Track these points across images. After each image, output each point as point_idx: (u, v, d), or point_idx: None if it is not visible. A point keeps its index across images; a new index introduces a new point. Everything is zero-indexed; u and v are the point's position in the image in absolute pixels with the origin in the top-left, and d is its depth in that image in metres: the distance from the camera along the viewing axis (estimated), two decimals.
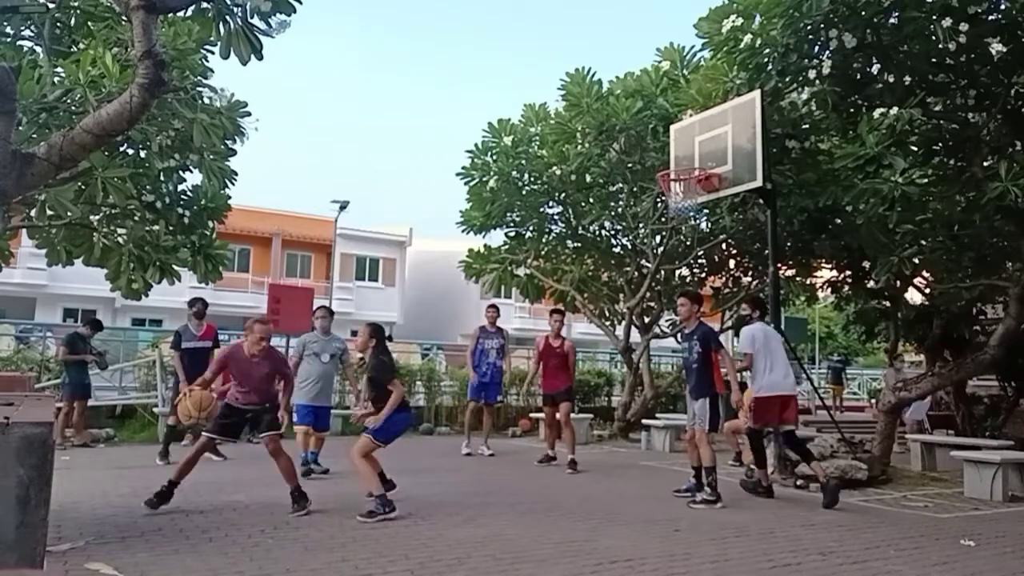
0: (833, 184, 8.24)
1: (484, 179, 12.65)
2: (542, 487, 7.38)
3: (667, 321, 13.96)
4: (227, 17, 5.25)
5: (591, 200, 12.62)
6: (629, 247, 13.42)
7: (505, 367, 10.15)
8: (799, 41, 7.84)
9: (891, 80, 7.87)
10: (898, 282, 11.11)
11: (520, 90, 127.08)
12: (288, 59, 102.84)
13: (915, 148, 8.11)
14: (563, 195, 12.67)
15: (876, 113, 7.32)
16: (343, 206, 23.23)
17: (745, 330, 7.35)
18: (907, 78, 7.88)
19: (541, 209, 13.07)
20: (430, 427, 13.18)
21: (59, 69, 7.07)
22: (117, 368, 12.04)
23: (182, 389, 6.66)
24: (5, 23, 7.16)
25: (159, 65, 4.63)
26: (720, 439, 10.15)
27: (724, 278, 14.09)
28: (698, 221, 11.73)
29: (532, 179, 12.71)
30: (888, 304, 12.77)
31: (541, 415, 10.86)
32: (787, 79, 8.30)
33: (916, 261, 9.10)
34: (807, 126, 9.26)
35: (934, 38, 7.19)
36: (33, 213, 8.08)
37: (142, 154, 8.45)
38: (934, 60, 7.76)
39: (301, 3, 5.24)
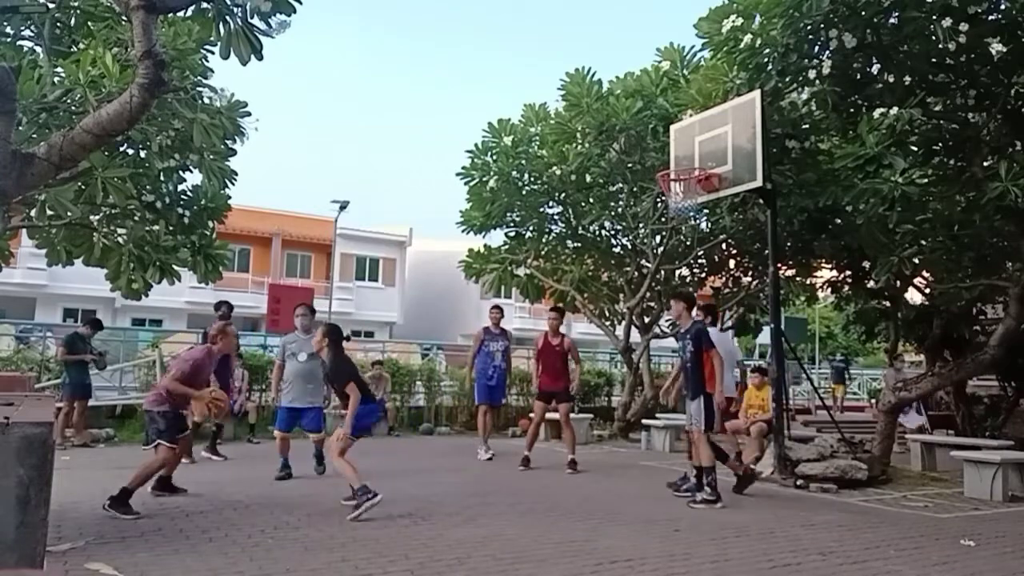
0: (833, 184, 8.24)
1: (484, 179, 12.65)
2: (542, 487, 7.38)
3: (667, 321, 13.94)
4: (227, 17, 5.26)
5: (591, 200, 12.62)
6: (629, 247, 13.43)
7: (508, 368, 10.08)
8: (799, 41, 7.84)
9: (891, 80, 7.87)
10: (898, 282, 11.11)
11: (520, 90, 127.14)
12: (288, 59, 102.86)
13: (915, 148, 8.11)
14: (563, 195, 12.67)
15: (876, 113, 7.32)
16: (343, 206, 23.21)
17: (712, 331, 7.31)
18: (907, 78, 7.88)
19: (541, 209, 13.07)
20: (430, 427, 13.18)
21: (59, 69, 7.07)
22: (117, 368, 12.04)
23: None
24: (5, 23, 7.16)
25: (159, 65, 4.63)
26: (720, 439, 10.21)
27: (724, 278, 14.10)
28: (698, 221, 11.73)
29: (532, 179, 12.71)
30: (888, 304, 12.76)
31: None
32: (787, 79, 8.30)
33: (916, 261, 9.10)
34: (807, 126, 9.26)
35: (934, 38, 7.19)
36: (33, 213, 8.08)
37: (142, 154, 8.44)
38: (934, 60, 7.77)
39: (301, 3, 5.25)
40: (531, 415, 12.93)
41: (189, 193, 9.22)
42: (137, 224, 8.86)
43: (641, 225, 12.24)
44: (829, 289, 13.34)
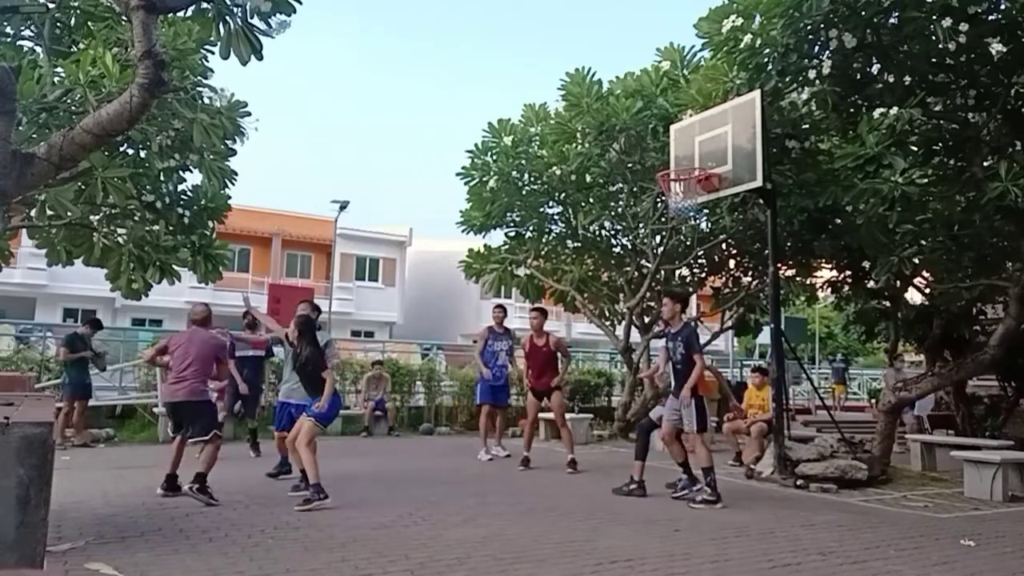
0: (833, 184, 8.24)
1: (484, 179, 12.64)
2: (542, 487, 7.38)
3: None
4: (227, 17, 5.26)
5: (591, 200, 12.60)
6: (629, 247, 13.42)
7: (510, 368, 10.06)
8: (799, 41, 7.83)
9: (891, 80, 7.86)
10: (898, 282, 11.11)
11: (520, 90, 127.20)
12: (288, 59, 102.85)
13: (915, 148, 8.11)
14: (563, 195, 12.66)
15: (876, 113, 7.32)
16: (343, 206, 23.21)
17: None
18: (907, 78, 7.87)
19: (541, 209, 13.06)
20: (430, 427, 13.18)
21: (59, 69, 7.07)
22: (117, 368, 12.05)
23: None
24: (5, 23, 7.16)
25: (159, 65, 4.63)
26: (720, 439, 10.22)
27: (724, 278, 14.08)
28: (698, 221, 11.72)
29: (532, 179, 12.70)
30: (888, 304, 12.77)
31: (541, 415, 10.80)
32: (787, 79, 8.29)
33: (916, 261, 9.10)
34: (807, 126, 9.25)
35: (934, 38, 7.18)
36: (33, 213, 8.09)
37: (142, 154, 8.45)
38: (934, 60, 7.76)
39: (301, 3, 5.25)
40: None
41: (189, 193, 9.22)
42: (137, 224, 8.87)
43: (641, 225, 12.23)
44: (829, 289, 13.34)
